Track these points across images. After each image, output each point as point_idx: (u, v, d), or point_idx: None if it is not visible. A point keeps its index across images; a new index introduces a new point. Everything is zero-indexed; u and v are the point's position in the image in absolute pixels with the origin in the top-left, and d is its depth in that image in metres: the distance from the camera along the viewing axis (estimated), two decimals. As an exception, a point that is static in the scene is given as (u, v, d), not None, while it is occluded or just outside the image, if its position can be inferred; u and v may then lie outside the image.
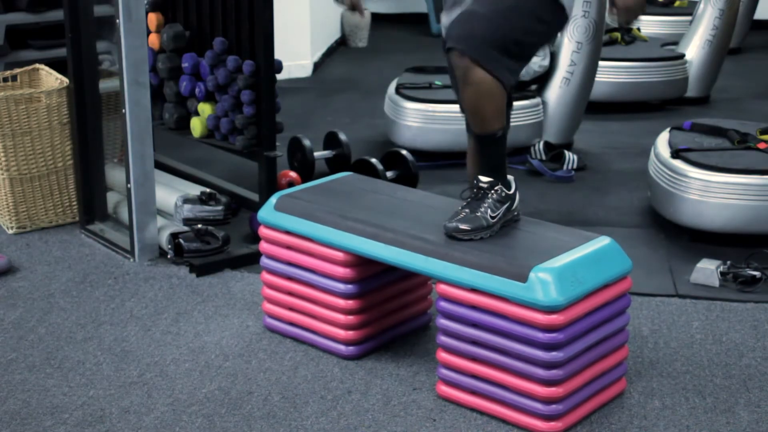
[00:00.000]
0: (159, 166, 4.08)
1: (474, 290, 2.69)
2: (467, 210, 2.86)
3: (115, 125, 4.33)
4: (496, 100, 2.83)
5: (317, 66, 7.20)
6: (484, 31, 2.81)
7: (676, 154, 4.01)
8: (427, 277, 3.22)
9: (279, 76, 3.93)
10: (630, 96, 5.96)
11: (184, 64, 4.08)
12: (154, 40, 4.19)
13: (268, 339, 3.22)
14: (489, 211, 2.85)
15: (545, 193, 4.56)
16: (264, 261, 3.20)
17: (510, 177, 2.99)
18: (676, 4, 7.61)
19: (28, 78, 4.33)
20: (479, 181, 2.91)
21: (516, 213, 2.98)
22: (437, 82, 5.15)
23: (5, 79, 4.25)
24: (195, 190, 4.03)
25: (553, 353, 2.60)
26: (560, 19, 2.98)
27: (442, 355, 2.82)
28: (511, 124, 3.21)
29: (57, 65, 4.32)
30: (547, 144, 4.95)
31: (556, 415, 2.67)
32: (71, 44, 3.91)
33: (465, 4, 2.95)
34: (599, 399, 2.81)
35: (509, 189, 2.95)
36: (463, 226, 2.81)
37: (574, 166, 4.86)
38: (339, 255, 2.97)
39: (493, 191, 2.88)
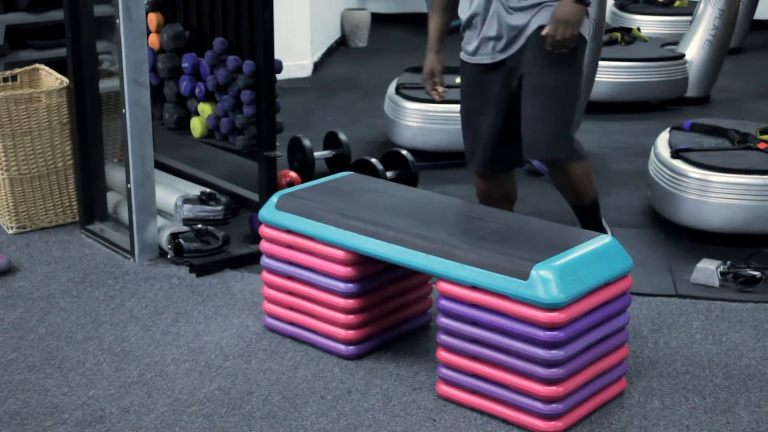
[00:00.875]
0: (159, 166, 4.08)
1: (475, 288, 2.69)
2: None
3: (115, 125, 4.33)
4: (587, 175, 3.33)
5: (317, 66, 7.20)
6: (567, 126, 3.26)
7: (676, 154, 4.01)
8: (428, 276, 3.22)
9: (279, 76, 3.93)
10: (630, 96, 5.96)
11: (184, 64, 4.08)
12: (154, 40, 4.19)
13: (268, 339, 3.22)
14: None
15: (545, 193, 4.56)
16: (264, 260, 3.20)
17: (606, 226, 3.45)
18: (676, 4, 7.61)
19: (28, 78, 4.33)
20: None
21: None
22: (437, 82, 5.14)
23: (5, 79, 4.25)
24: (195, 190, 4.03)
25: (554, 351, 2.60)
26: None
27: (443, 354, 2.82)
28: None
29: (57, 65, 4.32)
30: (547, 144, 4.95)
31: (556, 415, 2.66)
32: (71, 44, 3.91)
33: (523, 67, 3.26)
34: (599, 398, 2.81)
35: (606, 232, 3.46)
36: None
37: (574, 166, 4.85)
38: (339, 253, 2.97)
39: None
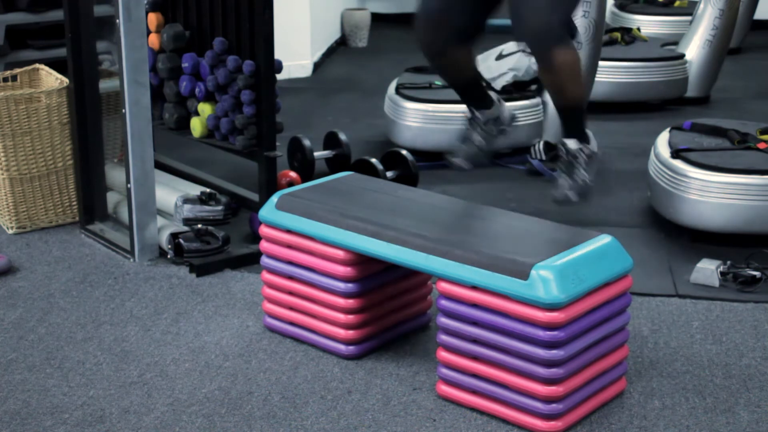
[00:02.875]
0: (159, 166, 4.08)
1: (475, 288, 2.69)
2: (565, 176, 3.10)
3: (115, 125, 4.33)
4: (577, 72, 3.08)
5: (317, 66, 7.20)
6: (558, 15, 2.98)
7: (676, 154, 4.01)
8: (428, 276, 3.22)
9: (279, 76, 3.93)
10: (630, 96, 5.96)
11: (184, 64, 4.08)
12: (154, 40, 4.19)
13: (268, 339, 3.22)
14: (584, 173, 3.00)
15: (545, 193, 4.55)
16: (264, 260, 3.20)
17: (588, 132, 3.22)
18: (676, 4, 7.61)
19: (28, 78, 4.33)
20: (565, 145, 3.04)
21: (599, 159, 3.25)
22: (437, 82, 5.15)
23: (5, 79, 4.25)
24: (195, 190, 4.03)
25: (554, 351, 2.60)
26: None
27: (442, 354, 2.82)
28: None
29: (57, 65, 4.32)
30: (547, 144, 4.95)
31: (556, 414, 2.67)
32: (71, 44, 3.91)
33: None
34: (599, 398, 2.81)
35: (591, 144, 3.21)
36: (573, 196, 3.10)
37: (574, 166, 4.86)
38: (339, 253, 2.97)
39: (581, 153, 3.15)
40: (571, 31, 3.09)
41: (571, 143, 3.10)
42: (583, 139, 3.14)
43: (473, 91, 3.46)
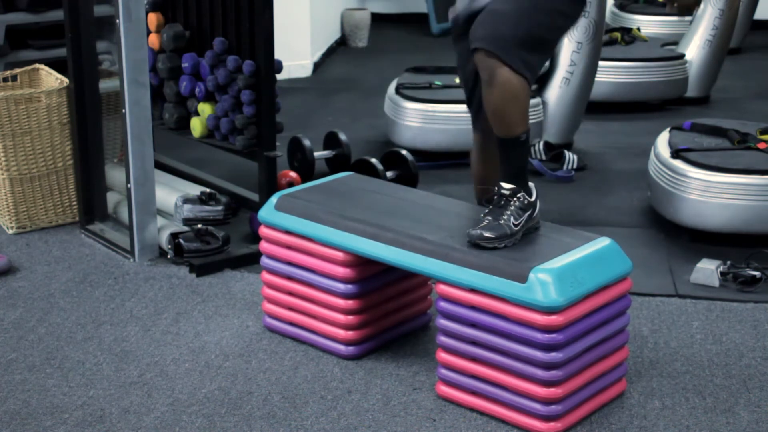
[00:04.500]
0: (159, 166, 4.08)
1: (474, 290, 2.69)
2: (490, 217, 2.82)
3: (115, 125, 4.33)
4: (521, 101, 2.82)
5: (317, 66, 7.20)
6: (511, 31, 2.79)
7: (676, 154, 4.01)
8: (427, 277, 3.22)
9: (279, 76, 3.93)
10: (630, 96, 5.96)
11: (184, 64, 4.08)
12: (154, 40, 4.19)
13: (268, 339, 3.22)
14: (512, 218, 2.81)
15: (545, 193, 4.54)
16: (264, 261, 3.20)
17: (531, 184, 2.94)
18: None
19: (28, 78, 4.33)
20: (501, 188, 2.87)
21: (537, 221, 2.93)
22: (437, 82, 5.15)
23: (5, 79, 4.25)
24: (195, 190, 4.03)
25: (552, 354, 2.59)
26: (579, 9, 2.96)
27: (442, 356, 2.82)
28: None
29: (57, 65, 4.32)
30: (547, 144, 4.95)
31: (555, 416, 2.66)
32: (71, 44, 3.91)
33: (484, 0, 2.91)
34: (599, 400, 2.81)
35: (531, 196, 2.90)
36: (487, 234, 2.77)
37: (574, 166, 4.86)
38: (339, 255, 2.97)
39: (515, 198, 2.86)
40: (531, 71, 2.84)
41: (506, 187, 2.87)
42: (521, 186, 2.88)
43: None
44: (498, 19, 2.81)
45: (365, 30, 8.02)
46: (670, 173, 3.97)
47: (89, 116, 3.99)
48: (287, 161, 4.82)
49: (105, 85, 4.13)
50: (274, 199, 3.16)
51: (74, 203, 4.14)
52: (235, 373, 3.01)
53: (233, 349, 3.16)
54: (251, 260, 3.74)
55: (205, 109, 4.06)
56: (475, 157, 3.25)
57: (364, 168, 4.40)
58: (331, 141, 4.87)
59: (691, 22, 6.25)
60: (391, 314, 3.16)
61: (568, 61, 5.01)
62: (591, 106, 5.36)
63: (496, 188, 2.89)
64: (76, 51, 3.93)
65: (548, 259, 2.65)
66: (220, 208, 3.90)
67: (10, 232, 4.07)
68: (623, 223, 4.25)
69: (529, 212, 2.87)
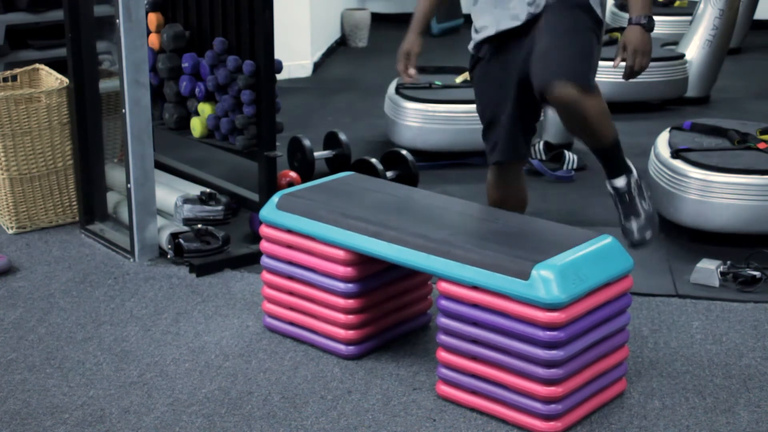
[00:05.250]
0: (159, 166, 4.08)
1: (475, 288, 2.69)
2: (632, 218, 3.16)
3: (115, 125, 4.33)
4: (605, 114, 3.07)
5: (317, 66, 7.20)
6: (578, 60, 3.04)
7: (676, 154, 4.01)
8: (428, 276, 3.22)
9: (279, 76, 3.93)
10: (630, 96, 5.96)
11: (184, 64, 4.08)
12: (154, 40, 4.19)
13: (268, 339, 3.22)
14: (642, 203, 3.10)
15: (545, 193, 4.56)
16: (264, 260, 3.20)
17: (628, 161, 3.23)
18: (676, 4, 7.61)
19: (28, 78, 4.33)
20: (614, 185, 3.18)
21: (641, 181, 3.26)
22: (437, 82, 5.15)
23: (5, 79, 4.25)
24: (195, 190, 4.03)
25: (554, 352, 2.59)
26: (602, 17, 3.20)
27: (442, 355, 2.82)
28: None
29: (57, 65, 4.32)
30: (547, 144, 4.95)
31: (556, 415, 2.66)
32: (71, 44, 3.91)
33: (536, 36, 3.08)
34: (599, 399, 2.81)
35: (633, 172, 3.22)
36: (648, 234, 3.13)
37: (574, 166, 4.86)
38: (340, 253, 2.97)
39: (631, 187, 3.17)
40: (596, 85, 3.13)
41: (619, 182, 3.19)
42: (626, 170, 3.21)
43: None
44: (564, 54, 3.02)
45: (365, 30, 8.02)
46: (670, 173, 3.97)
47: (89, 116, 3.99)
48: (287, 161, 4.82)
49: (105, 85, 4.13)
50: (275, 198, 3.16)
51: (74, 203, 4.14)
52: (235, 373, 3.01)
53: (233, 349, 3.16)
54: (251, 260, 3.74)
55: (205, 109, 4.06)
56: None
57: (364, 168, 4.40)
58: (331, 141, 4.87)
59: (691, 22, 6.25)
60: (392, 314, 3.16)
61: (568, 61, 5.00)
62: (591, 106, 5.35)
63: (611, 190, 3.20)
64: (76, 51, 3.93)
65: (550, 256, 2.65)
66: (220, 208, 3.90)
67: (10, 232, 4.07)
68: (623, 223, 4.24)
69: (642, 184, 3.22)
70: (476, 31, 3.28)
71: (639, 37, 3.04)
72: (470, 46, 3.32)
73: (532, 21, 3.14)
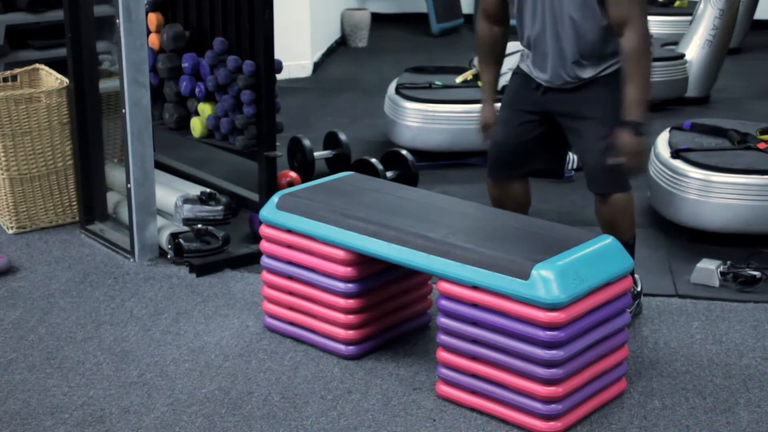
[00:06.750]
0: (159, 166, 4.08)
1: (475, 288, 2.69)
2: None
3: (115, 125, 4.33)
4: (631, 209, 3.23)
5: (317, 66, 7.20)
6: (622, 171, 3.13)
7: (676, 154, 4.01)
8: (428, 276, 3.22)
9: (279, 76, 3.93)
10: (630, 96, 5.95)
11: (184, 64, 4.08)
12: (154, 40, 4.19)
13: (268, 339, 3.22)
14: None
15: (545, 193, 4.56)
16: (264, 260, 3.20)
17: (636, 276, 3.30)
18: (676, 4, 7.61)
19: (28, 78, 4.33)
20: None
21: (641, 307, 3.37)
22: (437, 82, 5.15)
23: (5, 79, 4.25)
24: (195, 190, 4.03)
25: (554, 352, 2.60)
26: None
27: (442, 354, 2.82)
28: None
29: (57, 65, 4.32)
30: (547, 144, 4.95)
31: (556, 415, 2.67)
32: (71, 44, 3.91)
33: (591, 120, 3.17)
34: (599, 399, 2.81)
35: (637, 286, 3.31)
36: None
37: (574, 166, 4.86)
38: (340, 253, 2.97)
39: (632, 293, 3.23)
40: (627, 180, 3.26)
41: None
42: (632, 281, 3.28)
43: None
44: (613, 167, 3.11)
45: (365, 30, 8.02)
46: (670, 173, 3.97)
47: (89, 116, 3.99)
48: (287, 161, 4.82)
49: (105, 85, 4.13)
50: (275, 198, 3.16)
51: (74, 203, 4.14)
52: (235, 373, 3.01)
53: (233, 349, 3.16)
54: (251, 260, 3.74)
55: (205, 109, 4.05)
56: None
57: (364, 168, 4.40)
58: (331, 141, 4.87)
59: (691, 22, 6.25)
60: (392, 314, 3.16)
61: (568, 61, 5.00)
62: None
63: None
64: (76, 51, 3.93)
65: (550, 256, 2.66)
66: (220, 208, 3.90)
67: (10, 232, 4.07)
68: (623, 223, 4.24)
69: (637, 300, 3.31)
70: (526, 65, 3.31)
71: (632, 141, 3.04)
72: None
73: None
